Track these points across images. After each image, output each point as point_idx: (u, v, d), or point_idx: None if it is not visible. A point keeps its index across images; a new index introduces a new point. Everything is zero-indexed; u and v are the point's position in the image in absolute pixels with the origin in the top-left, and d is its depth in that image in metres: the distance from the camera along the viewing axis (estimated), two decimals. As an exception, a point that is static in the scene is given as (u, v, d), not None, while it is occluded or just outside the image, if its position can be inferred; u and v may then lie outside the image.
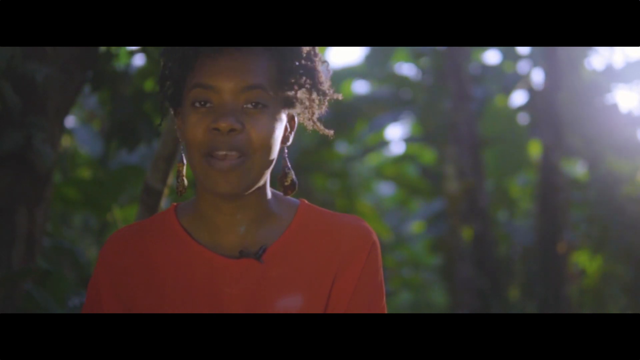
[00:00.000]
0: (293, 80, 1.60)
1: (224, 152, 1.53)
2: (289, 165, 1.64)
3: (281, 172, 1.64)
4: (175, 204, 1.68)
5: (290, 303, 1.58)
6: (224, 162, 1.54)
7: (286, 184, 1.64)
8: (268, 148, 1.56)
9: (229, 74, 1.55)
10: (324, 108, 1.65)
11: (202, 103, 1.55)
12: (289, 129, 1.64)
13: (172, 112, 1.66)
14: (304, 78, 1.60)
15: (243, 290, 1.58)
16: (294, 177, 1.63)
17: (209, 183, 1.55)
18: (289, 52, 1.60)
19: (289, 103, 1.61)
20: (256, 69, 1.56)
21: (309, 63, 1.61)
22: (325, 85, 1.64)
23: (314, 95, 1.63)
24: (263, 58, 1.58)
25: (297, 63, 1.60)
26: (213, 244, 1.61)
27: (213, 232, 1.62)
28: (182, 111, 1.59)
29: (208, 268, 1.60)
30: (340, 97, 1.66)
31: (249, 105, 1.55)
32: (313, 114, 1.65)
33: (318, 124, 1.66)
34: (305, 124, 1.66)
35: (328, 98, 1.65)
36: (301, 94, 1.61)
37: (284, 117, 1.61)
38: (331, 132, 1.67)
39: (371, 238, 1.63)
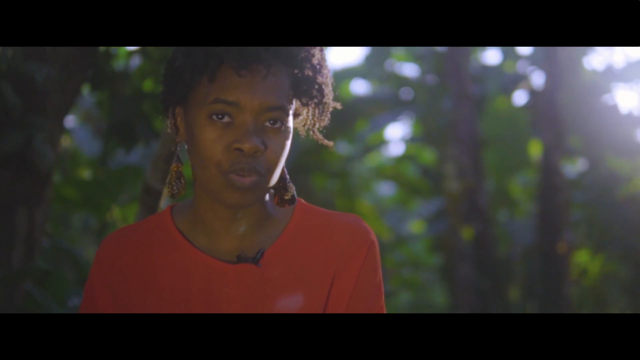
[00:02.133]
0: (306, 97, 1.59)
1: (245, 173, 1.52)
2: (289, 178, 1.63)
3: (278, 182, 1.62)
4: (171, 205, 1.67)
5: (290, 305, 1.57)
6: (245, 180, 1.52)
7: (286, 197, 1.62)
8: (281, 166, 1.56)
9: (254, 92, 1.52)
10: (326, 122, 1.64)
11: (220, 117, 1.53)
12: None
13: (166, 110, 1.63)
14: (314, 91, 1.59)
15: (241, 294, 1.57)
16: (294, 192, 1.62)
17: (223, 196, 1.53)
18: (305, 65, 1.58)
19: (296, 115, 1.62)
20: (278, 89, 1.54)
21: (320, 79, 1.60)
22: (330, 100, 1.63)
23: (319, 110, 1.62)
24: (283, 76, 1.56)
25: (311, 77, 1.58)
26: (210, 248, 1.60)
27: (210, 235, 1.60)
28: (191, 120, 1.56)
29: (206, 273, 1.58)
30: (339, 106, 1.65)
31: (268, 124, 1.54)
32: (314, 124, 1.64)
33: (318, 135, 1.65)
34: (299, 130, 1.65)
35: (330, 109, 1.64)
36: (309, 107, 1.61)
37: (292, 130, 1.60)
38: (331, 143, 1.66)
39: (369, 237, 1.62)
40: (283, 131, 1.54)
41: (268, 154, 1.53)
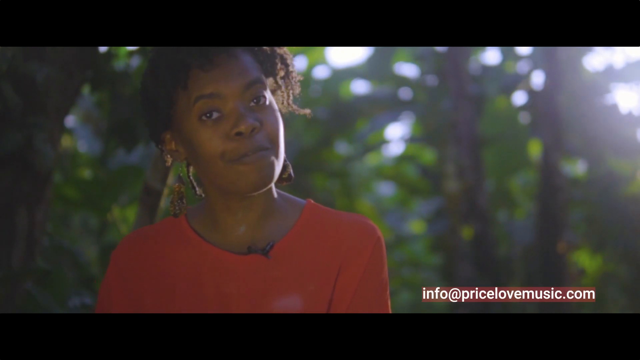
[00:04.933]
0: (272, 69, 1.64)
1: (252, 153, 1.56)
2: (285, 157, 1.66)
3: None
4: None
5: (296, 298, 1.60)
6: (257, 160, 1.56)
7: (284, 176, 1.67)
8: (281, 138, 1.60)
9: (227, 77, 1.57)
10: (298, 89, 1.69)
11: (208, 115, 1.56)
12: None
13: (155, 141, 1.66)
14: (279, 64, 1.65)
15: (251, 285, 1.61)
16: (291, 170, 1.67)
17: (240, 184, 1.57)
18: (262, 46, 1.64)
19: (273, 90, 1.66)
20: (248, 65, 1.60)
21: (279, 51, 1.65)
22: (295, 69, 1.68)
23: (288, 81, 1.67)
24: (246, 55, 1.61)
25: (270, 52, 1.64)
26: (222, 242, 1.64)
27: (222, 231, 1.64)
28: (182, 130, 1.59)
29: (216, 265, 1.62)
30: (301, 78, 1.70)
31: (252, 103, 1.58)
32: (289, 97, 1.68)
33: (293, 105, 1.69)
34: (280, 108, 1.68)
35: (298, 79, 1.68)
36: (279, 80, 1.66)
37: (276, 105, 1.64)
38: (308, 110, 1.70)
39: (375, 234, 1.65)
40: (269, 105, 1.59)
41: (266, 128, 1.57)
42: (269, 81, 1.65)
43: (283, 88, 1.67)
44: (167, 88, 1.58)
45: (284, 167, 1.66)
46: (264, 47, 1.63)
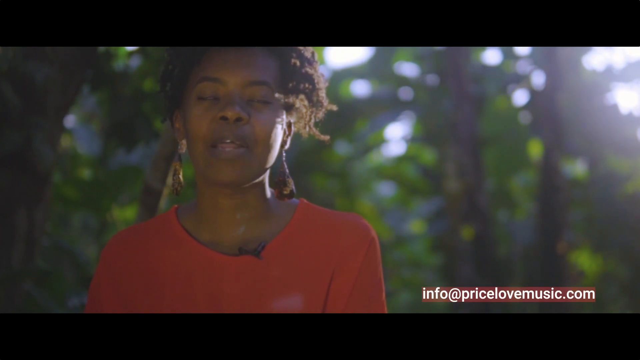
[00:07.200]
0: (293, 85, 1.62)
1: (229, 141, 1.55)
2: (288, 172, 1.65)
3: (278, 177, 1.65)
4: (176, 205, 1.69)
5: (289, 300, 1.59)
6: (229, 151, 1.55)
7: (285, 192, 1.65)
8: (269, 143, 1.58)
9: (236, 67, 1.57)
10: (321, 114, 1.67)
11: (207, 97, 1.57)
12: (287, 133, 1.65)
13: (168, 117, 1.67)
14: (304, 84, 1.63)
15: (242, 287, 1.59)
16: (293, 187, 1.64)
17: (211, 172, 1.56)
18: (291, 56, 1.63)
19: (288, 107, 1.63)
20: (262, 66, 1.59)
21: (309, 70, 1.63)
22: (323, 93, 1.66)
23: (312, 103, 1.65)
24: (269, 58, 1.61)
25: (299, 68, 1.62)
26: (213, 243, 1.63)
27: (213, 230, 1.63)
28: (184, 109, 1.60)
29: (207, 266, 1.61)
30: (334, 108, 1.69)
31: (255, 101, 1.57)
32: (310, 120, 1.67)
33: (314, 129, 1.68)
34: (301, 131, 1.68)
35: (324, 108, 1.67)
36: (300, 100, 1.64)
37: (284, 118, 1.62)
38: (327, 137, 1.70)
39: (370, 234, 1.63)
40: (270, 108, 1.58)
41: (253, 124, 1.56)
42: (291, 98, 1.62)
43: (304, 110, 1.65)
44: (184, 63, 1.59)
45: (285, 183, 1.64)
46: (294, 61, 1.61)
